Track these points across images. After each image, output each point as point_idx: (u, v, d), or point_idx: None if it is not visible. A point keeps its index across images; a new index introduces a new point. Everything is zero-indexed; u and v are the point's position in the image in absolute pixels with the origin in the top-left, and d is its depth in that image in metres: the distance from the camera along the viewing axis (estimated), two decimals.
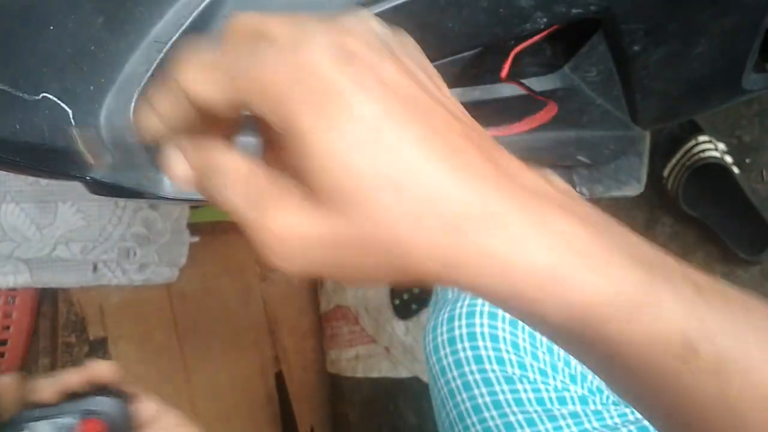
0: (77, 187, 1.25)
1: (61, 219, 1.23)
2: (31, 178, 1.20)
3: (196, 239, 1.37)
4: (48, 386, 0.51)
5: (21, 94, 0.41)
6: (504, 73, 0.60)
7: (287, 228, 0.25)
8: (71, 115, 0.44)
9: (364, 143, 0.23)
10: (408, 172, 0.23)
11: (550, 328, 0.25)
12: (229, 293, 1.53)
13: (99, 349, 1.34)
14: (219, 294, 1.52)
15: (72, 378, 0.52)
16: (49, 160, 0.42)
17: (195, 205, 1.37)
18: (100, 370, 0.51)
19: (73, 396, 0.49)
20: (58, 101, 0.43)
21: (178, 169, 0.28)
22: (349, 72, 0.24)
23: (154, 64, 0.47)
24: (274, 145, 0.31)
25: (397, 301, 1.40)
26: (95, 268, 1.32)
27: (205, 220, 1.43)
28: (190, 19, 0.47)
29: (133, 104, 0.47)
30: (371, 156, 0.23)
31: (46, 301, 1.37)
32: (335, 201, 0.24)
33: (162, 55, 0.47)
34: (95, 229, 1.26)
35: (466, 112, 0.28)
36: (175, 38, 0.47)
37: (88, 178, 0.46)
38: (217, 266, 1.54)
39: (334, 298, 1.54)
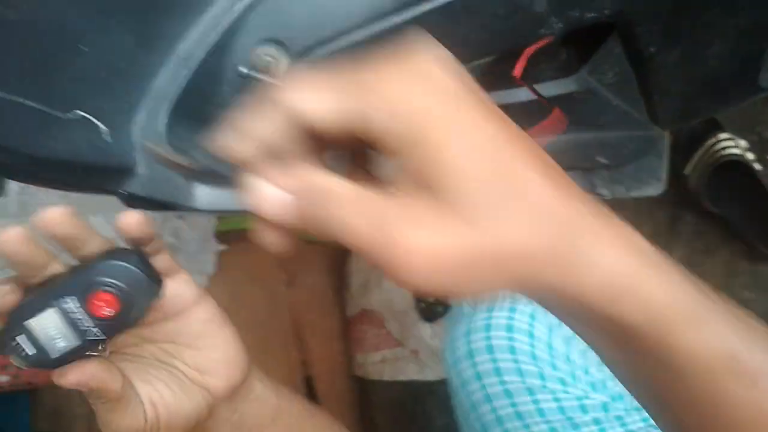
0: (107, 199, 1.28)
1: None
2: (61, 191, 1.23)
3: (223, 248, 1.40)
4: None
5: (57, 113, 0.43)
6: (517, 71, 0.60)
7: (421, 245, 0.25)
8: (106, 132, 0.46)
9: (491, 156, 0.25)
10: (528, 187, 0.25)
11: (618, 330, 0.27)
12: (256, 300, 1.55)
13: None
14: (246, 301, 1.54)
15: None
16: (86, 176, 0.44)
17: (222, 215, 1.40)
18: (126, 222, 0.39)
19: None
20: (93, 118, 0.45)
21: (271, 196, 0.27)
22: (466, 85, 0.26)
23: (183, 80, 0.49)
24: (359, 160, 0.31)
25: (422, 304, 1.41)
26: None
27: (230, 228, 1.46)
28: (216, 35, 0.49)
29: (164, 119, 0.49)
30: (497, 169, 0.25)
31: None
32: (468, 213, 0.25)
33: (190, 71, 0.49)
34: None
35: None
36: (201, 54, 0.49)
37: (123, 192, 0.48)
38: (244, 274, 1.56)
39: (360, 302, 1.55)
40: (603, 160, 0.64)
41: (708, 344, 0.27)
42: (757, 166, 0.98)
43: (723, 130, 1.01)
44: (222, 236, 1.40)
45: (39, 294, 0.37)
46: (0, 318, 0.37)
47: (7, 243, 0.36)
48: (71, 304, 0.36)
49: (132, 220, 0.38)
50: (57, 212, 0.37)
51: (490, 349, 0.70)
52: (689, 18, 0.56)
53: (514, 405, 0.67)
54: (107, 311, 0.37)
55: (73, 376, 0.37)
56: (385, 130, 0.25)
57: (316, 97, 0.26)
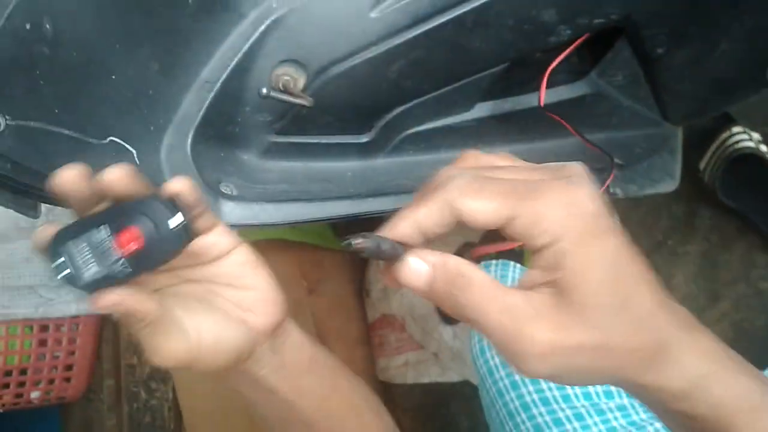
0: None
1: None
2: None
3: None
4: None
5: (90, 140, 0.45)
6: (541, 101, 0.61)
7: (545, 338, 0.30)
8: (135, 155, 0.48)
9: (613, 277, 0.30)
10: (635, 301, 0.31)
11: (689, 419, 0.34)
12: None
13: (160, 368, 1.39)
14: None
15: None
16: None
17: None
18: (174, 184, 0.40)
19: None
20: (123, 143, 0.47)
21: (421, 274, 0.33)
22: (608, 217, 0.31)
23: (207, 103, 0.51)
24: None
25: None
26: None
27: (252, 239, 1.48)
28: (236, 59, 0.51)
29: (189, 140, 0.51)
30: (616, 287, 0.31)
31: (108, 326, 1.43)
32: (588, 317, 0.30)
33: (213, 94, 0.51)
34: None
35: None
36: (223, 78, 0.51)
37: None
38: None
39: (380, 308, 1.57)
40: (617, 160, 0.65)
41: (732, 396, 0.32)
42: None
43: (736, 124, 1.01)
44: None
45: (81, 221, 0.39)
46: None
47: (63, 182, 0.38)
48: (103, 233, 0.38)
49: (180, 184, 0.40)
50: (120, 171, 0.38)
51: None
52: (696, 19, 0.57)
53: (539, 391, 0.69)
54: (133, 245, 0.38)
55: (103, 300, 0.37)
56: (530, 236, 0.31)
57: (481, 204, 0.31)
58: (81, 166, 0.38)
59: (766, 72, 0.64)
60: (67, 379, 1.36)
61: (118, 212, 0.38)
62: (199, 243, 0.43)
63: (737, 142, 0.98)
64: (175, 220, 0.38)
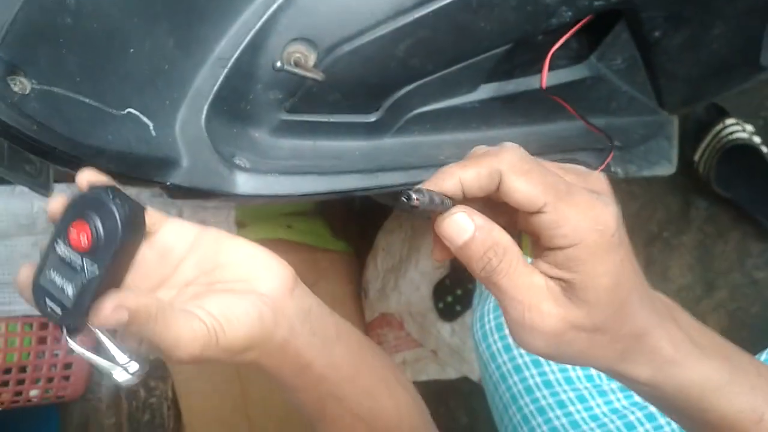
0: None
1: None
2: None
3: None
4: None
5: (110, 110, 0.46)
6: (543, 84, 0.63)
7: (557, 320, 0.35)
8: (152, 127, 0.50)
9: (615, 285, 0.35)
10: (628, 302, 0.36)
11: (665, 401, 0.39)
12: None
13: (159, 366, 1.39)
14: None
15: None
16: (136, 167, 0.48)
17: (240, 224, 1.43)
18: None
19: None
20: (140, 115, 0.49)
21: (465, 231, 0.35)
22: (621, 234, 0.35)
23: (220, 79, 0.53)
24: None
25: (440, 304, 1.43)
26: None
27: (250, 239, 1.49)
28: (249, 37, 0.52)
29: (204, 115, 0.52)
30: (617, 292, 0.35)
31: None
32: (591, 307, 0.35)
33: (226, 70, 0.53)
34: None
35: None
36: (236, 55, 0.53)
37: (168, 183, 0.51)
38: None
39: (378, 307, 1.57)
40: (617, 143, 0.67)
41: (736, 408, 0.37)
42: (765, 149, 1.01)
43: (729, 116, 1.03)
44: None
45: (42, 253, 0.39)
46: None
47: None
48: (61, 245, 0.37)
49: (89, 173, 0.40)
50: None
51: None
52: (692, 2, 0.59)
53: (542, 374, 0.70)
54: (84, 240, 0.36)
55: (101, 313, 0.36)
56: (551, 232, 0.34)
57: (525, 185, 0.34)
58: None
59: (760, 57, 0.66)
60: (66, 378, 1.36)
61: (61, 223, 0.38)
62: (160, 242, 0.43)
63: (731, 133, 1.00)
64: (115, 203, 0.37)
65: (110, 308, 0.35)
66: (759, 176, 1.02)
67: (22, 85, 0.40)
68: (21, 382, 1.30)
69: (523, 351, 0.73)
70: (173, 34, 0.50)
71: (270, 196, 0.51)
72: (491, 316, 0.77)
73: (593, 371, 0.71)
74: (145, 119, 0.49)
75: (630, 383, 0.39)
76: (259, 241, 1.37)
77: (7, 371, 1.28)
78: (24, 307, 1.27)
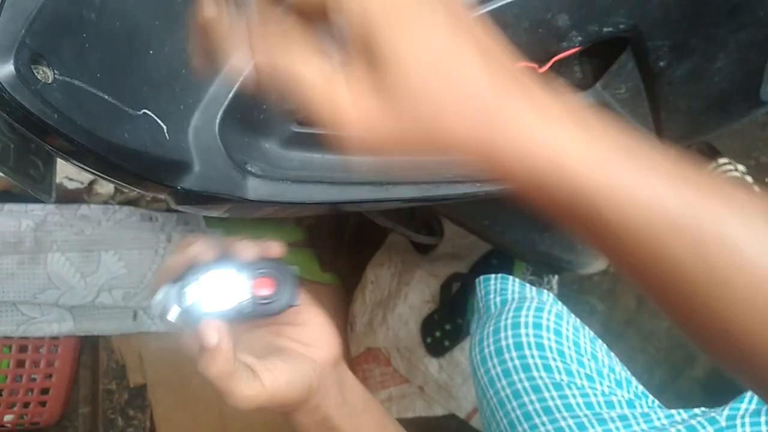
0: (119, 236, 1.30)
1: (104, 267, 1.28)
2: (76, 228, 1.26)
3: None
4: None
5: (127, 109, 0.46)
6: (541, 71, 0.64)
7: (361, 104, 0.30)
8: (165, 131, 0.50)
9: (429, 39, 0.29)
10: (461, 74, 0.30)
11: (551, 203, 0.31)
12: None
13: (139, 395, 1.36)
14: None
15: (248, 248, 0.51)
16: (149, 168, 0.47)
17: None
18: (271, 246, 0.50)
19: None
20: (156, 117, 0.49)
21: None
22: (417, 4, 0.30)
23: (236, 88, 0.53)
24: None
25: (429, 340, 1.42)
26: (135, 316, 1.36)
27: None
28: None
29: (217, 121, 0.52)
30: (427, 59, 0.29)
31: (86, 351, 1.40)
32: (399, 90, 0.30)
33: (242, 78, 0.53)
34: (136, 276, 1.31)
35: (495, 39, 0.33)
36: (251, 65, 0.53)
37: (179, 187, 0.50)
38: None
39: (365, 341, 1.56)
40: None
41: (641, 207, 0.29)
42: (756, 189, 1.03)
43: (721, 156, 1.06)
44: None
45: (217, 259, 0.48)
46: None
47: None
48: (243, 276, 0.47)
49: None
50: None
51: (519, 346, 0.72)
52: (697, 33, 0.61)
53: (542, 400, 0.69)
54: (265, 292, 0.48)
55: (212, 330, 0.45)
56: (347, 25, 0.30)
57: None
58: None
59: (760, 91, 0.68)
60: (43, 403, 1.32)
61: (257, 263, 0.49)
62: None
63: (724, 172, 1.02)
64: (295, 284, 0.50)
65: (212, 332, 0.45)
66: None
67: (45, 74, 0.40)
68: None
69: (522, 376, 0.72)
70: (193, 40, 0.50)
71: (282, 203, 0.51)
72: (490, 341, 0.76)
73: (593, 399, 0.70)
74: (159, 122, 0.49)
75: (489, 167, 0.32)
76: None
77: None
78: (5, 327, 1.24)
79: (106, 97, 0.44)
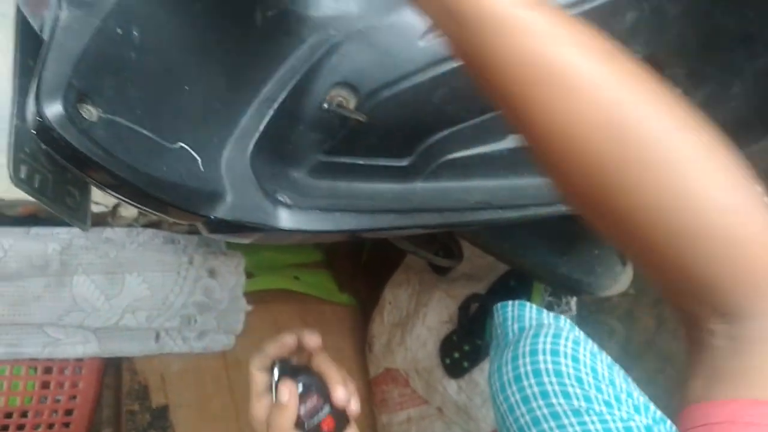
0: (142, 259, 1.32)
1: (128, 289, 1.30)
2: (101, 251, 1.28)
3: (249, 308, 1.43)
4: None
5: (164, 143, 0.48)
6: None
7: None
8: (200, 162, 0.52)
9: None
10: None
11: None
12: None
13: (161, 416, 1.38)
14: None
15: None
16: (185, 199, 0.49)
17: (248, 274, 1.44)
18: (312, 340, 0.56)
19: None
20: (191, 150, 0.51)
21: None
22: None
23: (266, 119, 0.55)
24: None
25: (447, 360, 1.42)
26: (158, 337, 1.38)
27: (257, 288, 1.50)
28: (295, 80, 0.55)
29: (249, 153, 0.54)
30: None
31: (109, 372, 1.42)
32: None
33: (272, 111, 0.55)
34: (159, 298, 1.33)
35: None
36: (282, 96, 0.55)
37: (212, 217, 0.52)
38: (269, 334, 1.57)
39: (383, 362, 1.56)
40: None
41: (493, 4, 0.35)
42: None
43: None
44: (247, 297, 1.44)
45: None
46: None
47: None
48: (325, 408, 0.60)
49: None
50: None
51: (537, 373, 0.73)
52: (712, 60, 0.62)
53: (561, 427, 0.69)
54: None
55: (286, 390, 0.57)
56: None
57: None
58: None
59: None
60: (67, 424, 1.33)
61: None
62: None
63: None
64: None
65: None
66: None
67: (90, 112, 0.42)
68: (21, 427, 1.28)
69: (541, 403, 0.73)
70: (225, 75, 0.53)
71: (311, 232, 0.52)
72: (509, 368, 0.77)
73: (611, 424, 0.71)
74: (194, 154, 0.51)
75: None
76: (265, 292, 1.41)
77: (8, 415, 1.27)
78: (31, 349, 1.26)
79: (146, 132, 0.46)
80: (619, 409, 0.70)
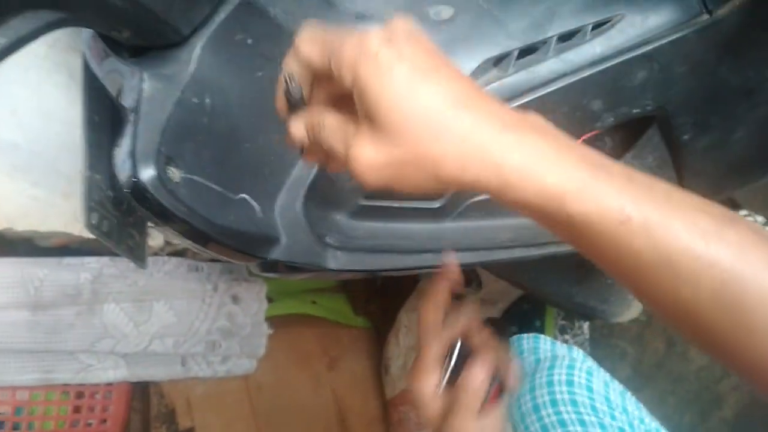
0: (169, 287, 1.37)
1: (156, 316, 1.35)
2: (130, 279, 1.33)
3: (269, 332, 1.48)
4: None
5: (230, 195, 0.54)
6: None
7: (366, 157, 0.38)
8: (258, 210, 0.57)
9: (400, 92, 0.36)
10: (429, 109, 0.36)
11: (532, 209, 0.38)
12: (300, 383, 1.61)
13: None
14: (291, 384, 1.60)
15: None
16: (247, 244, 0.55)
17: (269, 299, 1.49)
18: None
19: None
20: (251, 200, 0.56)
21: (298, 131, 0.43)
22: (390, 49, 0.37)
23: (315, 171, 0.61)
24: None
25: None
26: (184, 362, 1.43)
27: (278, 313, 1.55)
28: None
29: (300, 200, 0.60)
30: (405, 99, 0.36)
31: (137, 396, 1.47)
32: (389, 133, 0.37)
33: None
34: (185, 325, 1.38)
35: (464, 75, 0.40)
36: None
37: (268, 258, 0.58)
38: (288, 358, 1.63)
39: (400, 384, 1.60)
40: None
41: (597, 206, 0.35)
42: None
43: (741, 208, 1.12)
44: (269, 321, 1.48)
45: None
46: None
47: None
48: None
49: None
50: None
51: (554, 403, 0.78)
52: (716, 110, 0.68)
53: None
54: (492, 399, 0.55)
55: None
56: (340, 78, 0.38)
57: (309, 47, 0.40)
58: None
59: None
60: None
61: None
62: None
63: None
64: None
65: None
66: None
67: (174, 174, 0.48)
68: None
69: (560, 431, 0.78)
70: (279, 131, 0.58)
71: (357, 271, 0.58)
72: (527, 398, 0.82)
73: None
74: (254, 203, 0.57)
75: (485, 192, 0.39)
76: (285, 316, 1.47)
77: None
78: (64, 375, 1.31)
79: (216, 187, 0.52)
80: None
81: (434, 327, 0.53)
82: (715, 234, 0.35)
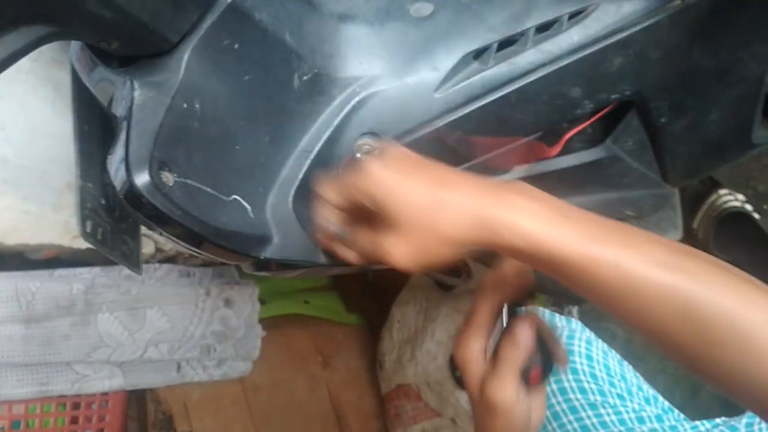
0: (161, 293, 1.38)
1: (150, 323, 1.35)
2: (123, 288, 1.34)
3: (263, 333, 1.49)
4: None
5: (222, 197, 0.55)
6: (555, 152, 0.74)
7: (398, 252, 0.49)
8: (250, 211, 0.58)
9: (402, 194, 0.48)
10: (424, 194, 0.48)
11: (523, 255, 0.45)
12: (295, 383, 1.62)
13: None
14: (287, 384, 1.60)
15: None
16: (240, 244, 0.56)
17: (261, 300, 1.50)
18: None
19: None
20: (242, 201, 0.58)
21: (344, 253, 0.56)
22: (395, 176, 0.48)
23: (304, 168, 0.62)
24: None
25: (458, 373, 1.48)
26: (179, 367, 1.43)
27: (270, 315, 1.55)
28: (328, 132, 0.62)
29: (290, 199, 0.61)
30: (406, 197, 0.48)
31: (133, 404, 1.47)
32: (407, 227, 0.48)
33: (309, 161, 0.62)
34: (179, 330, 1.38)
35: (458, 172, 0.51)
36: (318, 147, 0.62)
37: (261, 257, 0.59)
38: (283, 358, 1.63)
39: (394, 378, 1.61)
40: (631, 213, 0.77)
41: (571, 249, 0.43)
42: (756, 216, 1.11)
43: (722, 187, 1.15)
44: (262, 322, 1.49)
45: None
46: None
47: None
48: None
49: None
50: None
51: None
52: (692, 93, 0.70)
53: (579, 420, 0.77)
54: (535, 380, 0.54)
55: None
56: (367, 203, 0.49)
57: (331, 193, 0.54)
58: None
59: (751, 136, 0.77)
60: None
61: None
62: None
63: (725, 202, 1.11)
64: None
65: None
66: (753, 240, 1.12)
67: (167, 178, 0.49)
68: None
69: (560, 399, 0.80)
70: (269, 133, 0.60)
71: (348, 264, 0.59)
72: None
73: (625, 416, 0.78)
74: (245, 204, 0.58)
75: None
76: (278, 317, 1.48)
77: None
78: (60, 386, 1.31)
79: (209, 189, 0.53)
80: (632, 401, 0.78)
81: (491, 293, 0.56)
82: (673, 263, 0.41)
